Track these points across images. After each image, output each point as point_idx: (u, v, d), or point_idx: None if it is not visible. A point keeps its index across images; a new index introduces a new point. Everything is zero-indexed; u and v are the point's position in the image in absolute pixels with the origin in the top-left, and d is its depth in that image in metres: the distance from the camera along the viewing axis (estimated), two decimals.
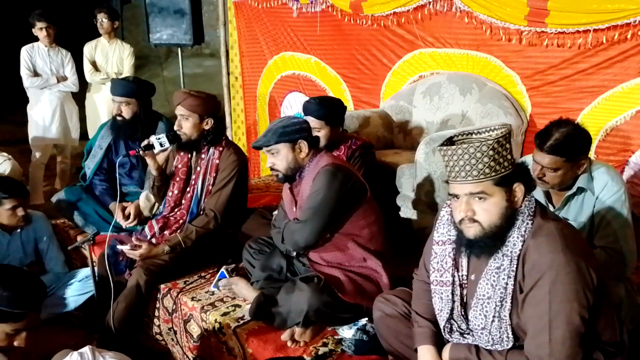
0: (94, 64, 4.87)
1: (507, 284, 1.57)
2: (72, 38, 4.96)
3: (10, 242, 2.96)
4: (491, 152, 1.52)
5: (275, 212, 2.96)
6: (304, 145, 2.28)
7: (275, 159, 2.30)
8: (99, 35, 4.86)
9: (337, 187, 2.21)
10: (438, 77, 3.64)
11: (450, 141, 1.64)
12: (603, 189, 2.13)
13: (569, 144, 2.05)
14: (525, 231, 1.56)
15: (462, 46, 3.52)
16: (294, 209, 2.40)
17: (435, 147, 2.85)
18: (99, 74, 4.83)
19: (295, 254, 2.41)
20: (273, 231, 2.54)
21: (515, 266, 1.56)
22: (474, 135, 1.64)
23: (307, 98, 3.52)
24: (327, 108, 2.90)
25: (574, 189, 2.16)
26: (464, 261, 1.71)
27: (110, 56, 4.88)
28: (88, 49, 4.87)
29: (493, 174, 1.53)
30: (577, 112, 3.08)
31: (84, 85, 4.93)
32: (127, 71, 4.84)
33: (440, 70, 3.67)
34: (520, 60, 3.27)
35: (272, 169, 2.33)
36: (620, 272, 2.11)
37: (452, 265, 1.71)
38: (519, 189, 1.58)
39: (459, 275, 1.71)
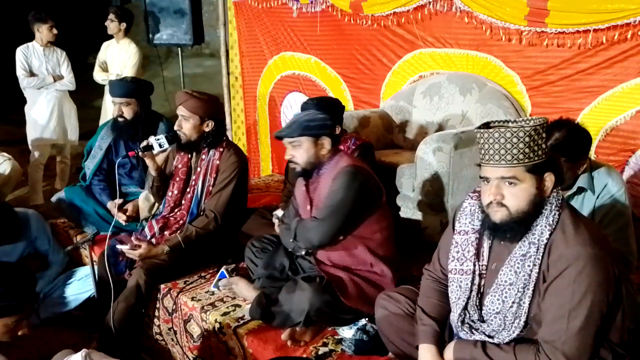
0: (104, 64, 4.87)
1: (531, 271, 1.58)
2: (68, 38, 4.96)
3: None
4: (527, 139, 1.53)
5: (275, 212, 2.97)
6: (326, 141, 2.28)
7: (296, 152, 2.29)
8: (107, 35, 4.86)
9: (356, 189, 2.21)
10: (438, 77, 3.64)
11: (487, 125, 1.65)
12: (603, 189, 2.13)
13: (569, 143, 2.05)
14: (552, 221, 1.58)
15: (462, 46, 3.51)
16: (308, 207, 2.39)
17: (435, 147, 2.86)
18: (104, 74, 4.84)
19: (304, 252, 2.39)
20: (281, 226, 2.52)
21: (541, 255, 1.57)
22: (510, 123, 1.65)
23: (307, 98, 3.52)
24: (325, 108, 2.89)
25: (574, 189, 2.16)
26: (485, 251, 1.72)
27: (116, 57, 4.87)
28: (102, 48, 4.90)
29: (526, 160, 1.55)
30: (577, 112, 3.08)
31: (89, 85, 4.95)
32: (126, 72, 4.81)
33: (440, 70, 3.67)
34: (520, 60, 3.27)
35: (290, 161, 2.33)
36: (621, 272, 2.10)
37: (474, 254, 1.73)
38: (549, 178, 1.59)
39: (479, 265, 1.72)
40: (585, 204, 2.16)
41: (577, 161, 2.10)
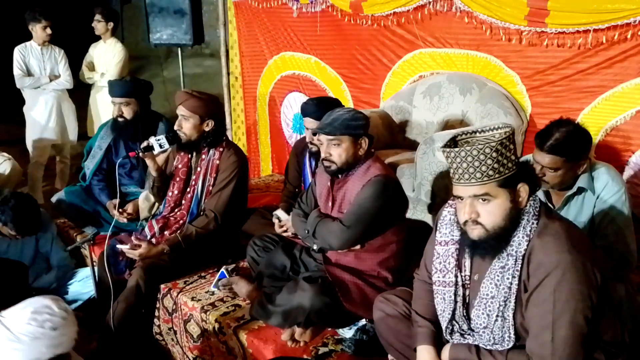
0: (91, 64, 4.87)
1: (511, 283, 1.56)
2: (69, 38, 4.96)
3: (10, 245, 2.95)
4: (494, 154, 1.50)
5: (276, 212, 2.97)
6: (365, 142, 2.27)
7: (334, 150, 2.25)
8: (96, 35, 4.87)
9: (385, 200, 2.21)
10: (438, 77, 3.64)
11: (453, 141, 1.62)
12: (603, 189, 2.13)
13: (570, 143, 2.05)
14: (530, 231, 1.55)
15: (462, 46, 3.51)
16: (330, 204, 2.38)
17: (435, 147, 2.86)
18: (89, 73, 4.84)
19: (316, 247, 2.38)
20: (297, 211, 2.51)
21: (520, 266, 1.55)
22: (477, 135, 1.62)
23: (307, 98, 3.52)
24: (325, 109, 2.88)
25: (574, 189, 2.16)
26: (467, 261, 1.70)
27: (102, 56, 4.88)
28: (90, 49, 4.90)
29: (497, 175, 1.52)
30: (577, 112, 3.08)
31: (88, 85, 4.95)
32: (110, 70, 4.80)
33: (440, 70, 3.67)
34: (520, 60, 3.27)
35: (326, 159, 2.29)
36: (621, 272, 2.10)
37: (455, 266, 1.71)
38: (523, 189, 1.57)
39: (461, 276, 1.70)
40: (585, 204, 2.16)
41: (577, 161, 2.10)
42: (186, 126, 2.74)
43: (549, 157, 2.06)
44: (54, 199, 3.51)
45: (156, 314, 2.75)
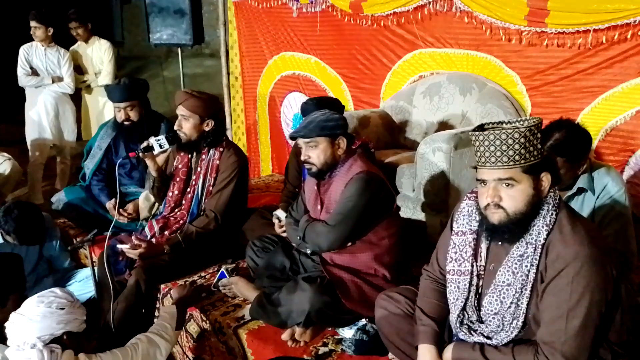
0: (77, 68, 4.86)
1: (529, 271, 1.58)
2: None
3: (14, 250, 2.94)
4: (522, 140, 1.53)
5: (275, 212, 2.97)
6: (342, 141, 2.27)
7: (312, 152, 2.27)
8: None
9: (369, 196, 2.21)
10: (438, 77, 3.64)
11: (481, 128, 1.65)
12: (603, 189, 2.13)
13: (569, 144, 2.05)
14: (550, 221, 1.58)
15: (462, 46, 3.51)
16: (318, 207, 2.39)
17: (435, 147, 2.86)
18: (82, 77, 4.83)
19: (309, 251, 2.39)
20: (289, 219, 2.52)
21: (539, 255, 1.57)
22: (504, 124, 1.65)
23: (307, 98, 3.52)
24: (325, 108, 2.89)
25: (574, 189, 2.16)
26: (483, 251, 1.72)
27: (90, 57, 4.86)
28: (72, 51, 4.87)
29: (522, 161, 1.55)
30: (577, 112, 3.08)
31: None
32: (106, 68, 4.79)
33: (440, 70, 3.67)
34: (520, 60, 3.27)
35: (306, 162, 2.31)
36: (621, 272, 2.10)
37: (471, 255, 1.73)
38: (546, 178, 1.59)
39: (477, 265, 1.72)
40: (585, 205, 2.16)
41: (577, 161, 2.10)
42: (186, 126, 2.74)
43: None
44: (53, 199, 3.50)
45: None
